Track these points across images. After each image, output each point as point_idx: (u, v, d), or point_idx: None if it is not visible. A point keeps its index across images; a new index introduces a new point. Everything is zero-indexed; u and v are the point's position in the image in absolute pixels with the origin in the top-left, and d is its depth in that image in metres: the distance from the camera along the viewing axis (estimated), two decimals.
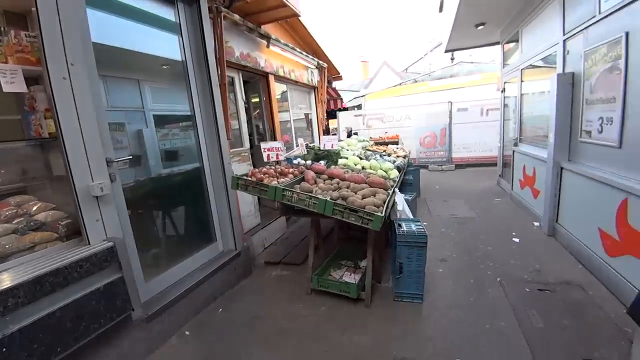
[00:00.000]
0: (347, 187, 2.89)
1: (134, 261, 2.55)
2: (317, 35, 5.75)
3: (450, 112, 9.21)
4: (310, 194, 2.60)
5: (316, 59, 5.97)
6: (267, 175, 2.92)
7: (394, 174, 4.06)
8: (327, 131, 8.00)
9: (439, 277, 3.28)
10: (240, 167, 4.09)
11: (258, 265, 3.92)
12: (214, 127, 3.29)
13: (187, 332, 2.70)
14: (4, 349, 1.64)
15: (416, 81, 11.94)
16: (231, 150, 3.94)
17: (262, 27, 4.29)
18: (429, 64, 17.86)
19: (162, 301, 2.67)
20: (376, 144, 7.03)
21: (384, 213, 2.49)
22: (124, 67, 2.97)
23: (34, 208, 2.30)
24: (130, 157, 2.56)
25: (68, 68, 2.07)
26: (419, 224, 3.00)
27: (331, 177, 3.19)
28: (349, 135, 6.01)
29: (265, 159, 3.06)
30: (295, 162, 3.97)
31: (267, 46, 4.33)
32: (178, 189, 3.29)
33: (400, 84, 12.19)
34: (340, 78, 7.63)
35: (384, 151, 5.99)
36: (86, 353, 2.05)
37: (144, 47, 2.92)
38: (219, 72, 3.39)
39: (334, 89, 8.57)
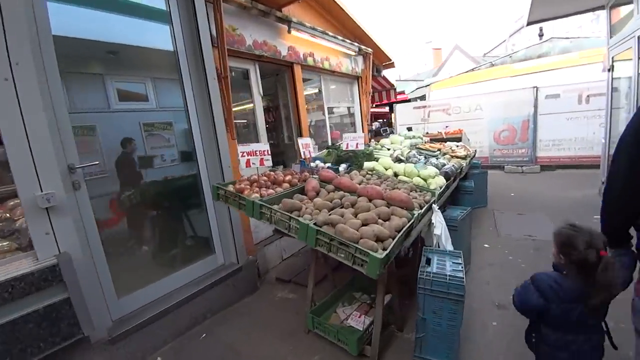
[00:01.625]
0: (352, 205, 2.12)
1: (103, 276, 2.25)
2: (359, 18, 4.89)
3: (536, 99, 7.29)
4: (291, 215, 1.92)
5: (357, 44, 5.10)
6: (255, 184, 2.33)
7: (437, 183, 3.07)
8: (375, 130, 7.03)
9: (491, 335, 2.27)
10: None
11: (268, 281, 3.40)
12: (210, 125, 2.84)
13: (158, 359, 2.32)
14: None
15: (493, 65, 9.93)
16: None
17: (285, 9, 3.68)
18: (512, 44, 14.87)
19: (135, 320, 2.33)
20: (432, 140, 5.87)
21: (390, 249, 1.67)
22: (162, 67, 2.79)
23: (19, 212, 2.17)
24: (97, 162, 2.24)
25: (11, 68, 1.79)
26: (457, 262, 2.06)
27: (339, 188, 2.44)
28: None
29: (243, 166, 2.43)
30: (313, 164, 3.31)
31: (289, 31, 3.70)
32: (174, 195, 2.94)
33: (473, 70, 10.29)
34: (391, 65, 6.57)
35: (439, 150, 4.87)
36: None
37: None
38: (222, 63, 2.90)
39: (385, 78, 7.47)
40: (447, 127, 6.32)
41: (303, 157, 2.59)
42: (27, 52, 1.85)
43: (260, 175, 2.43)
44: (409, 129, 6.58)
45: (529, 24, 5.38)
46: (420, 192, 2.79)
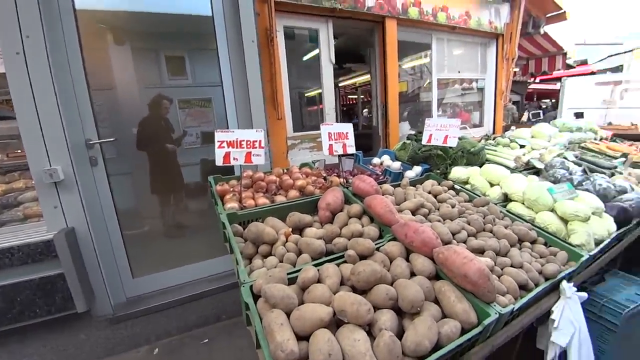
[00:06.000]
0: (362, 257, 1.13)
1: (118, 253, 2.16)
2: None
3: None
4: (238, 253, 1.14)
5: None
6: (257, 185, 1.63)
7: (594, 230, 1.54)
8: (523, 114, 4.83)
9: None
10: (314, 157, 2.86)
11: None
12: (246, 101, 2.26)
13: (156, 351, 2.13)
14: None
15: None
16: (298, 134, 2.79)
17: None
18: None
19: (145, 304, 2.19)
20: (615, 138, 3.51)
21: None
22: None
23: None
24: (114, 139, 2.03)
25: (22, 41, 1.66)
26: None
27: (368, 214, 1.45)
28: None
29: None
30: (377, 161, 2.30)
31: None
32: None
33: None
34: (562, 17, 4.07)
35: (624, 155, 2.77)
36: (29, 335, 1.90)
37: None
38: (271, 20, 2.20)
39: (548, 37, 4.74)
40: None
41: (334, 151, 1.66)
42: (38, 25, 1.69)
43: (266, 175, 1.70)
44: (578, 116, 4.21)
45: None
46: (538, 246, 1.42)
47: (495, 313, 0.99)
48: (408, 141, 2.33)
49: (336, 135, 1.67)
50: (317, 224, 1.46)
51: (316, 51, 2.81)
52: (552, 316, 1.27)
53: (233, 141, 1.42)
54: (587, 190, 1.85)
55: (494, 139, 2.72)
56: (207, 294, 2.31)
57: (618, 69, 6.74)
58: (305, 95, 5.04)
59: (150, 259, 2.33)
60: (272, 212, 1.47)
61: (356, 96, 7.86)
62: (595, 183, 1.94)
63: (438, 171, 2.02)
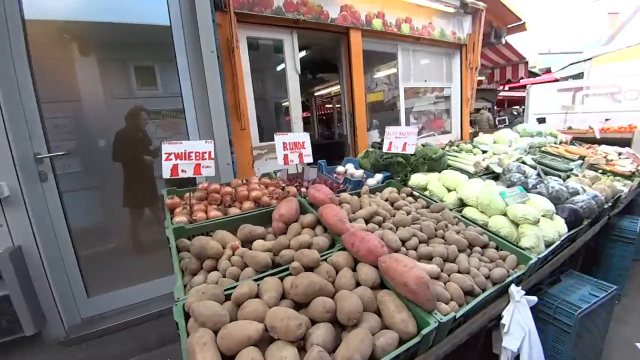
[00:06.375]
0: (308, 268, 1.10)
1: (71, 272, 2.04)
2: None
3: None
4: (184, 268, 1.09)
5: None
6: (211, 197, 1.58)
7: (544, 232, 1.57)
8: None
9: None
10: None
11: None
12: (207, 111, 2.22)
13: None
14: None
15: None
16: (264, 144, 2.76)
17: None
18: None
19: (101, 324, 2.07)
20: (574, 141, 3.66)
21: None
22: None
23: None
24: (66, 152, 1.95)
25: None
26: None
27: (322, 224, 1.42)
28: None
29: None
30: (341, 169, 2.30)
31: None
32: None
33: None
34: (522, 28, 4.29)
35: (581, 158, 2.89)
36: None
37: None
38: (231, 31, 2.19)
39: (510, 46, 4.97)
40: (607, 120, 3.84)
41: (289, 160, 1.65)
42: None
43: (222, 187, 1.65)
44: (540, 121, 4.38)
45: None
46: (489, 251, 1.43)
47: (435, 322, 0.97)
48: (371, 149, 2.34)
49: (292, 145, 1.66)
50: (271, 235, 1.43)
51: (282, 63, 2.82)
52: (503, 321, 1.27)
53: (181, 153, 1.38)
54: (539, 193, 1.90)
55: (457, 145, 2.78)
56: (169, 311, 2.20)
57: (579, 76, 7.10)
58: (282, 104, 5.04)
59: (108, 276, 2.21)
60: (225, 225, 1.42)
61: (331, 105, 7.98)
62: (548, 186, 2.00)
63: (399, 178, 2.03)
